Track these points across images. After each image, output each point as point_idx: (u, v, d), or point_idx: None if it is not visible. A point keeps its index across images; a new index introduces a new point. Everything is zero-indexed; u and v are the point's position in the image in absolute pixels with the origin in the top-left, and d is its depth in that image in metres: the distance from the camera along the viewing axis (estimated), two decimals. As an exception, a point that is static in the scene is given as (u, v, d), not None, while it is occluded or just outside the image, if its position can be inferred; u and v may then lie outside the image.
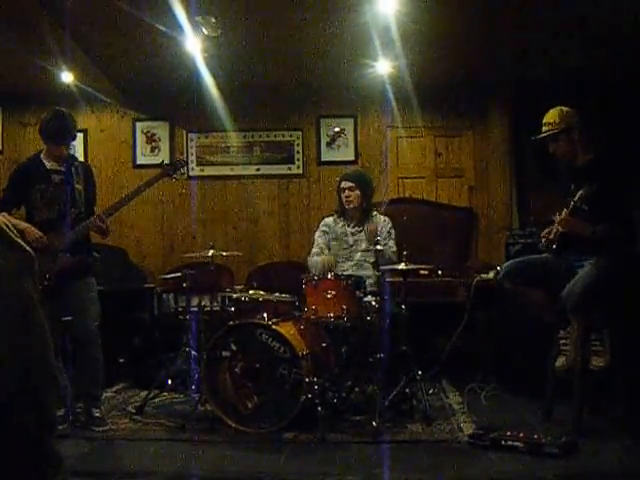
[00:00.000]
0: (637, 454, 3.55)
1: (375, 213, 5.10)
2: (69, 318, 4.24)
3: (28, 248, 1.44)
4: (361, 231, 5.02)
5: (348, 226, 5.07)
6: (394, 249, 4.87)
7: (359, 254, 4.98)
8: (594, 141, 4.22)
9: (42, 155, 4.34)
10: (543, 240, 4.10)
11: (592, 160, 4.12)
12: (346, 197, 4.99)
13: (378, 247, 4.38)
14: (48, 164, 4.31)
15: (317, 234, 5.15)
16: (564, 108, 4.16)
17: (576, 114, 4.15)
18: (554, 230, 3.99)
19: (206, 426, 4.10)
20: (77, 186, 4.31)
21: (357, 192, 4.98)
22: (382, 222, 5.03)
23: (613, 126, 5.68)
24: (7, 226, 1.42)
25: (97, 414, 4.21)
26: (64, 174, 4.31)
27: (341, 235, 5.05)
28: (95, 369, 4.27)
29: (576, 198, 3.86)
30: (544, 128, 4.18)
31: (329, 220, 5.17)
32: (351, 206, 5.00)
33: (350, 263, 4.96)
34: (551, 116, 4.16)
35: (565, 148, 4.14)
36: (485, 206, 6.90)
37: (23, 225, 4.10)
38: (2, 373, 1.33)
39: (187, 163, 4.49)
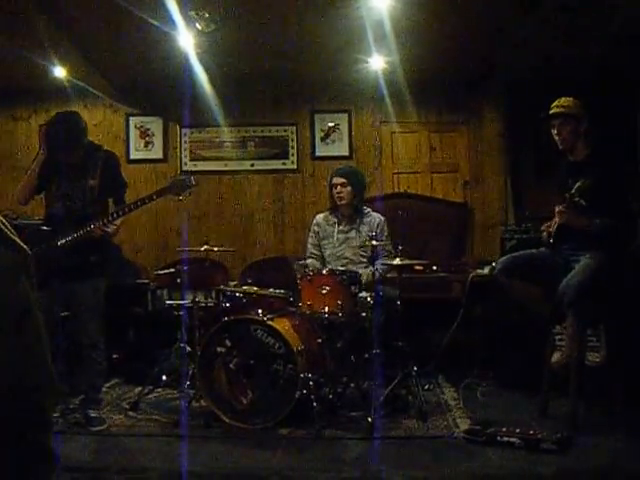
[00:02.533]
0: (633, 449, 3.55)
1: (368, 210, 5.08)
2: (65, 313, 4.19)
3: (24, 246, 1.43)
4: (353, 228, 5.00)
5: (339, 223, 5.05)
6: (391, 251, 4.84)
7: (351, 251, 4.96)
8: (592, 136, 4.22)
9: None
10: (544, 234, 4.11)
11: (589, 155, 4.13)
12: (337, 193, 4.98)
13: (374, 242, 4.36)
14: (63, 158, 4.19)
15: (309, 237, 5.16)
16: (576, 99, 4.20)
17: (585, 108, 4.17)
18: (553, 222, 4.00)
19: (201, 422, 4.09)
20: (91, 182, 4.19)
21: (348, 188, 4.96)
22: (377, 221, 5.01)
23: (608, 121, 5.67)
24: (3, 223, 1.41)
25: (94, 414, 4.17)
26: (79, 169, 4.20)
27: (332, 233, 5.04)
28: (95, 373, 4.23)
29: (573, 190, 3.87)
30: (556, 110, 4.19)
31: (320, 218, 5.16)
32: (343, 202, 4.98)
33: (343, 260, 4.94)
34: (565, 101, 4.20)
35: (569, 135, 4.16)
36: (480, 201, 6.90)
37: None
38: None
39: (195, 185, 4.30)
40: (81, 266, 4.10)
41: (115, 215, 4.15)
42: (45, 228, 4.10)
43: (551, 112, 4.20)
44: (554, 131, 4.20)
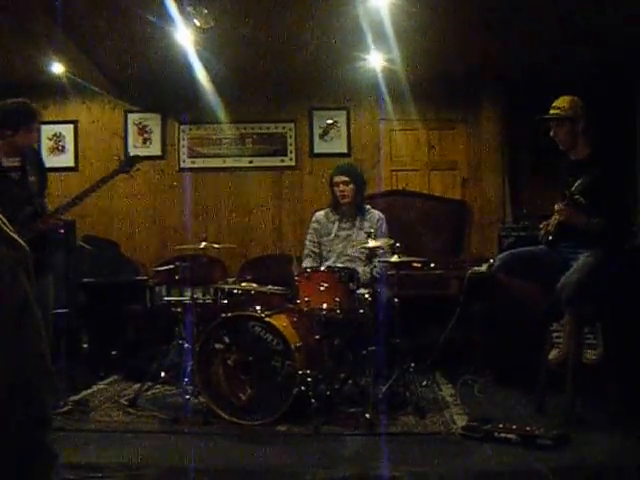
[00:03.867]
0: (629, 446, 3.56)
1: (369, 207, 5.08)
2: None
3: (23, 244, 1.43)
4: (354, 225, 5.00)
5: (340, 221, 5.04)
6: (388, 250, 4.82)
7: (352, 248, 4.95)
8: (593, 135, 4.22)
9: None
10: (542, 232, 4.12)
11: (591, 154, 4.14)
12: (340, 192, 4.96)
13: (371, 243, 4.36)
14: (5, 161, 4.09)
15: (308, 234, 5.15)
16: (575, 98, 4.19)
17: (584, 107, 4.17)
18: (552, 220, 4.01)
19: (199, 418, 4.09)
20: (31, 179, 4.15)
21: (351, 186, 4.95)
22: (377, 218, 5.01)
23: (607, 121, 5.68)
24: (3, 222, 1.41)
25: None
26: (21, 170, 4.14)
27: (333, 230, 5.03)
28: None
29: (573, 188, 3.88)
30: (552, 111, 4.20)
31: (320, 215, 5.14)
32: (346, 200, 4.97)
33: (344, 258, 4.94)
34: (561, 101, 4.19)
35: (567, 136, 4.16)
36: (478, 199, 6.92)
37: None
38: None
39: (141, 159, 4.50)
40: (40, 262, 4.08)
41: (68, 205, 4.15)
42: None
43: (545, 115, 4.21)
44: (551, 133, 4.21)
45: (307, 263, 4.99)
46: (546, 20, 5.27)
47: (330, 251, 5.00)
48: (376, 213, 5.05)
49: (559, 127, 4.18)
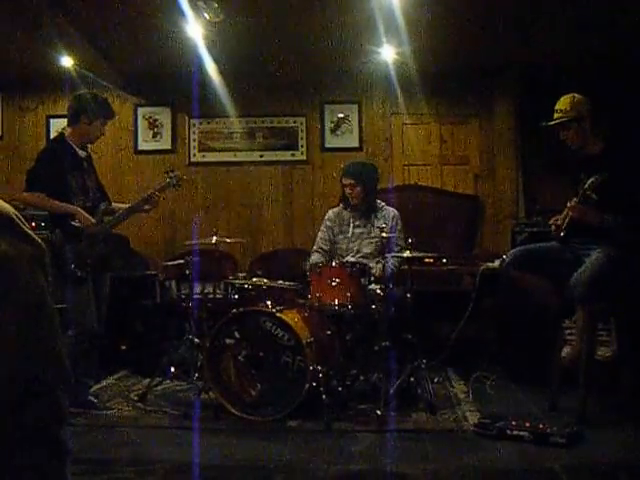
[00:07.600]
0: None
1: (382, 204, 5.05)
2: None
3: (39, 240, 1.41)
4: (368, 223, 4.97)
5: (355, 218, 5.02)
6: (404, 246, 4.79)
7: (367, 246, 4.92)
8: (604, 129, 4.17)
9: (70, 140, 4.26)
10: (552, 227, 4.09)
11: (604, 149, 4.09)
12: (349, 193, 4.96)
13: (384, 235, 4.34)
14: (78, 151, 4.26)
15: (320, 231, 5.12)
16: (577, 95, 4.13)
17: (588, 102, 4.13)
18: (564, 216, 3.97)
19: (209, 414, 4.08)
20: (93, 175, 4.38)
21: (358, 188, 4.92)
22: (392, 215, 4.98)
23: (622, 113, 5.61)
24: (18, 217, 1.39)
25: (96, 400, 4.29)
26: (88, 161, 4.34)
27: (347, 228, 5.01)
28: (93, 361, 4.36)
29: (586, 185, 3.83)
30: (555, 115, 4.15)
31: (333, 213, 5.12)
32: (355, 201, 4.96)
33: (358, 255, 4.91)
34: (563, 103, 4.13)
35: (576, 136, 4.12)
36: (491, 194, 6.85)
37: (72, 208, 4.12)
38: (14, 365, 1.30)
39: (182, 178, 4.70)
40: (108, 258, 4.36)
41: (122, 217, 4.42)
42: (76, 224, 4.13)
43: (551, 124, 4.16)
44: (561, 136, 4.17)
45: (315, 259, 4.95)
46: (561, 14, 5.21)
47: (345, 249, 4.97)
48: (390, 210, 5.02)
49: (567, 130, 4.13)
